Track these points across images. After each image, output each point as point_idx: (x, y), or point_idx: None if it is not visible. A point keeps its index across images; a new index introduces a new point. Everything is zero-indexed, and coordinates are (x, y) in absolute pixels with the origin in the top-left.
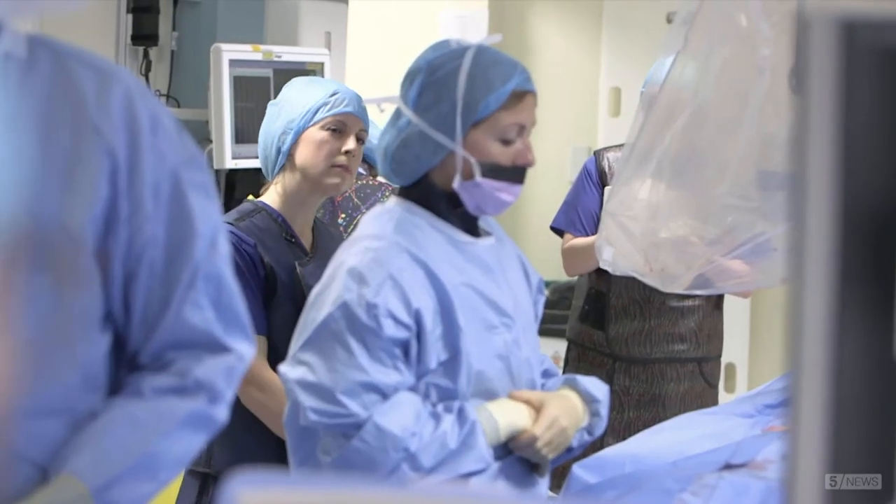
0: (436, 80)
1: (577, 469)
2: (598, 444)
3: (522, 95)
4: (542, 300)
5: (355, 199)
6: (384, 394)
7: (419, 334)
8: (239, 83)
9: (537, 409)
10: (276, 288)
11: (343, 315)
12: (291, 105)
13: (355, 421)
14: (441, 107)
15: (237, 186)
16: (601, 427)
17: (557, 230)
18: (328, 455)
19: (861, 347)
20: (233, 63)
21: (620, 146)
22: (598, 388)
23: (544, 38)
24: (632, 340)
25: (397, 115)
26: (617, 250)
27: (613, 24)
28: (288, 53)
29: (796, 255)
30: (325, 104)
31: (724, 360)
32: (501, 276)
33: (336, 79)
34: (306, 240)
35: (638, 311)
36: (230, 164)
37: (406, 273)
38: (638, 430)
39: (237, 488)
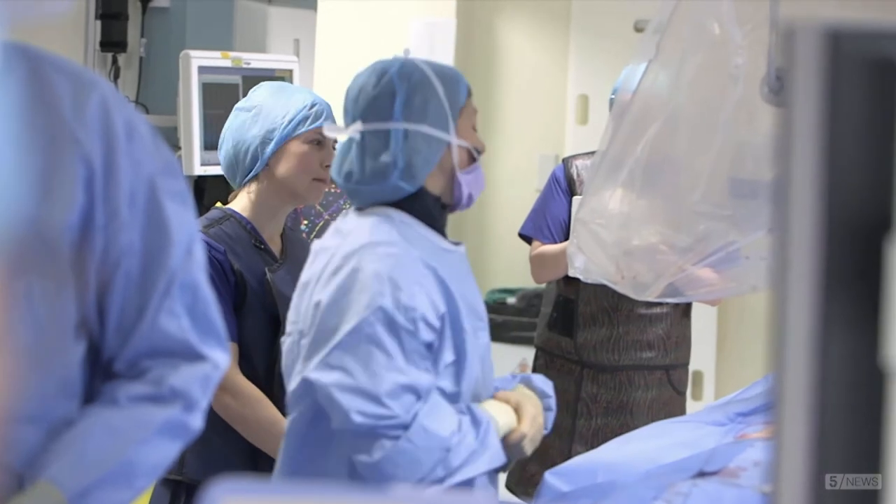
0: (415, 87)
1: (550, 477)
2: (566, 451)
3: (470, 89)
4: None
5: (318, 206)
6: (420, 395)
7: (440, 336)
8: (208, 90)
9: (515, 409)
10: (245, 295)
11: (379, 319)
12: (270, 113)
13: (399, 422)
14: (431, 107)
15: (206, 193)
16: (551, 421)
17: (525, 237)
18: (370, 456)
19: (846, 354)
20: (202, 70)
21: (589, 154)
22: (546, 384)
23: (512, 45)
24: (600, 347)
25: (368, 138)
26: (588, 258)
27: (581, 31)
28: (257, 60)
29: (780, 263)
30: (307, 117)
31: (691, 367)
32: (472, 281)
33: (305, 85)
34: (275, 246)
35: (606, 319)
36: (199, 170)
37: (426, 279)
38: (607, 438)
39: (219, 495)
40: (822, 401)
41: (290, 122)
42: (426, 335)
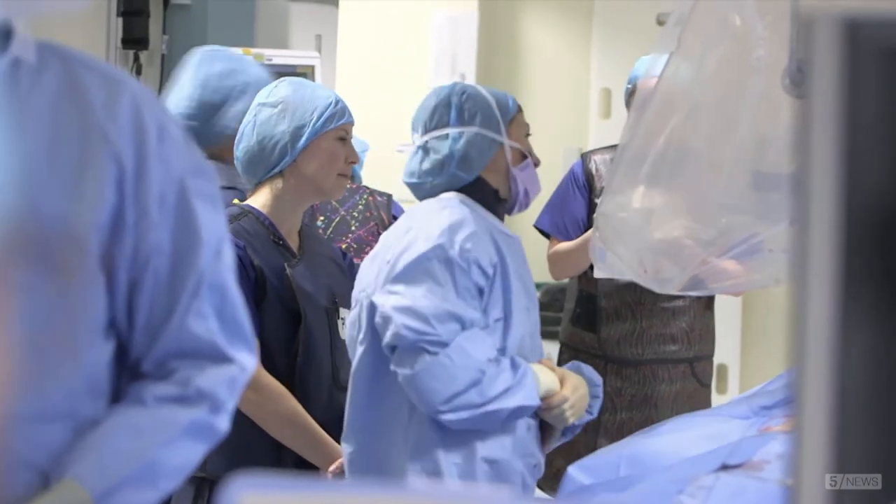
0: (468, 98)
1: (573, 470)
2: (591, 445)
3: (520, 108)
4: None
5: (334, 203)
6: (464, 325)
7: (491, 286)
8: None
9: (560, 378)
10: (265, 290)
11: (436, 255)
12: (297, 108)
13: (439, 340)
14: (482, 113)
15: None
16: (597, 408)
17: (542, 231)
18: (408, 368)
19: (865, 347)
20: None
21: (609, 148)
22: (595, 375)
23: (535, 39)
24: (623, 342)
25: (431, 144)
26: (612, 252)
27: (604, 25)
28: (278, 56)
29: (800, 255)
30: (334, 114)
31: (715, 360)
32: (527, 268)
33: (327, 81)
34: (293, 242)
35: (629, 313)
36: None
37: (485, 236)
38: (630, 431)
39: (238, 492)
40: (843, 394)
41: (319, 117)
42: (479, 278)
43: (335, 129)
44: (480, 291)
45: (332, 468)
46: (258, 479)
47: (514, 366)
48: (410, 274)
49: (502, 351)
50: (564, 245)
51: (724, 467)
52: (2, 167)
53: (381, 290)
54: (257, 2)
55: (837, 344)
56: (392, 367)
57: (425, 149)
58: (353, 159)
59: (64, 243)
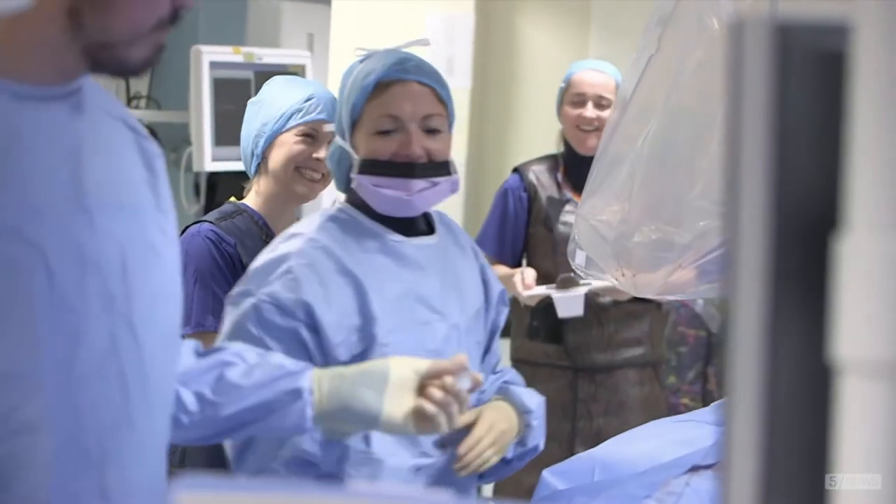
0: (328, 99)
1: (547, 475)
2: (568, 455)
3: (388, 85)
4: (504, 311)
5: None
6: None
7: (313, 326)
8: (219, 85)
9: (476, 416)
10: None
11: (239, 301)
12: (268, 107)
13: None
14: (339, 115)
15: (219, 189)
16: (535, 438)
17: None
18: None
19: (795, 350)
20: (213, 65)
21: (541, 159)
22: (531, 398)
23: (532, 40)
24: (594, 348)
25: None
26: (589, 254)
27: (601, 27)
28: (269, 55)
29: (729, 259)
30: (299, 110)
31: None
32: (433, 273)
33: (319, 81)
34: None
35: (595, 319)
36: (210, 166)
37: (309, 267)
38: (608, 437)
39: (177, 492)
40: (772, 396)
41: (281, 116)
42: (277, 319)
43: (299, 126)
44: (288, 332)
45: None
46: (201, 478)
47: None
48: (225, 316)
49: None
50: (503, 269)
51: (695, 468)
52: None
53: None
54: (248, 0)
55: (766, 345)
56: None
57: None
58: (320, 156)
59: None
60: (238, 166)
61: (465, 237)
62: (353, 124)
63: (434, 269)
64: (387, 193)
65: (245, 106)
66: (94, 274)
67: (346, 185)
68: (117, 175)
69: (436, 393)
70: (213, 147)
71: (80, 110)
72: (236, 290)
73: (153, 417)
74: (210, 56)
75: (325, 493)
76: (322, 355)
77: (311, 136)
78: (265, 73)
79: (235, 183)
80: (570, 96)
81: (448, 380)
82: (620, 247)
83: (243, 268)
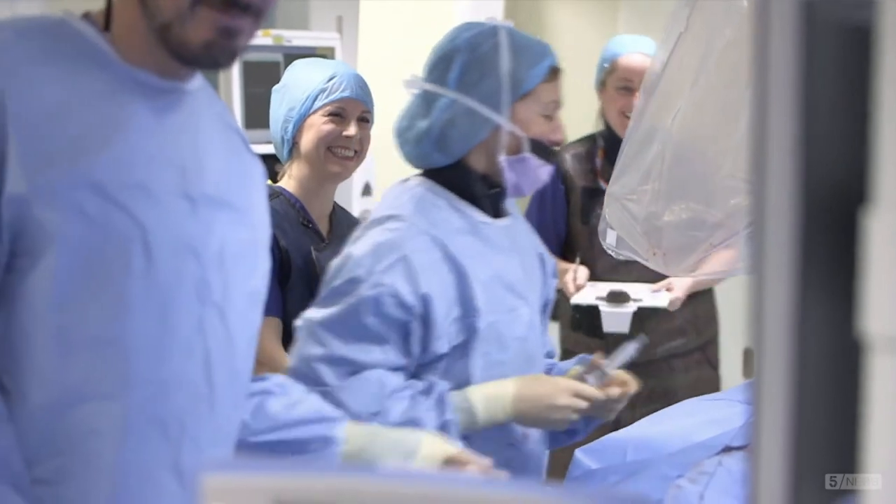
0: (478, 57)
1: (580, 454)
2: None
3: (557, 72)
4: (554, 283)
5: None
6: (358, 369)
7: (426, 318)
8: (248, 68)
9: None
10: (290, 271)
11: (348, 290)
12: (292, 91)
13: (323, 390)
14: (486, 82)
15: None
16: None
17: None
18: None
19: (824, 326)
20: None
21: (578, 142)
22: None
23: (560, 20)
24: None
25: (427, 98)
26: (620, 234)
27: (631, 11)
28: (298, 38)
29: (757, 235)
30: (324, 90)
31: (743, 345)
32: (516, 257)
33: (348, 63)
34: (323, 226)
35: (634, 315)
36: None
37: (422, 255)
38: None
39: (203, 472)
40: (801, 374)
41: (306, 98)
42: (397, 313)
43: (325, 105)
44: (401, 326)
45: None
46: (226, 460)
47: (439, 411)
48: (322, 303)
49: (466, 378)
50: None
51: (728, 449)
52: None
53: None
54: None
55: (795, 322)
56: None
57: (415, 104)
58: (347, 134)
59: None
60: (269, 149)
61: (517, 211)
62: (518, 99)
63: (514, 251)
64: (542, 175)
65: None
66: (191, 259)
67: (457, 159)
68: (227, 176)
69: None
70: (244, 130)
71: (193, 109)
72: (343, 275)
73: (236, 407)
74: None
75: (352, 474)
76: (422, 348)
77: (339, 114)
78: (294, 56)
79: (268, 166)
80: (616, 80)
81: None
82: (651, 226)
83: (280, 251)
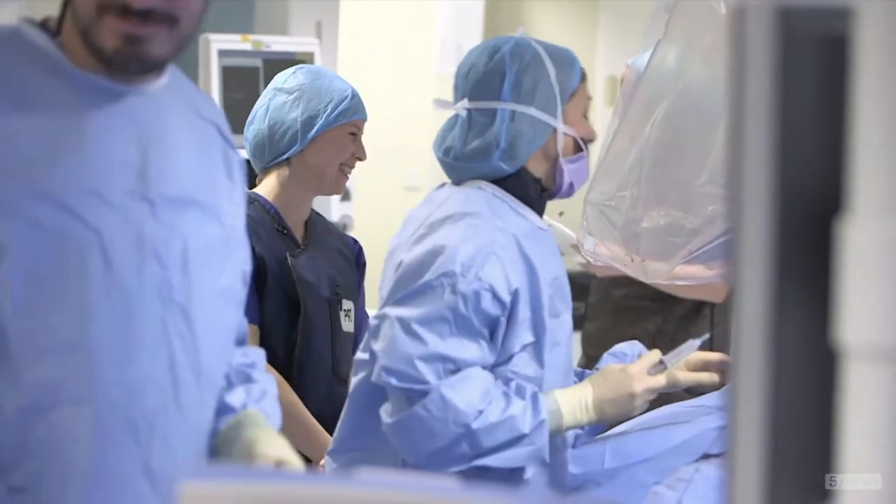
0: (526, 67)
1: None
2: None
3: (584, 73)
4: None
5: None
6: (458, 367)
7: (511, 315)
8: (228, 73)
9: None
10: (266, 278)
11: (442, 284)
12: (313, 97)
13: (421, 389)
14: (540, 90)
15: None
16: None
17: None
18: (390, 416)
19: (799, 334)
20: (221, 53)
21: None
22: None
23: (540, 26)
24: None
25: (477, 115)
26: (598, 240)
27: (610, 12)
28: (277, 43)
29: (734, 244)
30: (349, 108)
31: None
32: (559, 262)
33: (328, 68)
34: (299, 232)
35: (658, 308)
36: None
37: (508, 252)
38: None
39: (181, 479)
40: (776, 381)
41: (334, 109)
42: (491, 308)
43: (348, 123)
44: (494, 322)
45: (323, 461)
46: (206, 467)
47: (535, 411)
48: (411, 300)
49: (537, 379)
50: None
51: (706, 456)
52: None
53: (384, 305)
54: None
55: (771, 330)
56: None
57: (467, 122)
58: (360, 156)
59: None
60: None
61: None
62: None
63: (558, 255)
64: (588, 173)
65: (253, 94)
66: (152, 260)
67: (520, 164)
68: (194, 174)
69: None
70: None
71: (159, 109)
72: (434, 270)
73: (204, 407)
74: (218, 44)
75: (332, 481)
76: (501, 346)
77: (355, 134)
78: (273, 62)
79: (248, 171)
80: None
81: None
82: (629, 232)
83: (256, 258)
